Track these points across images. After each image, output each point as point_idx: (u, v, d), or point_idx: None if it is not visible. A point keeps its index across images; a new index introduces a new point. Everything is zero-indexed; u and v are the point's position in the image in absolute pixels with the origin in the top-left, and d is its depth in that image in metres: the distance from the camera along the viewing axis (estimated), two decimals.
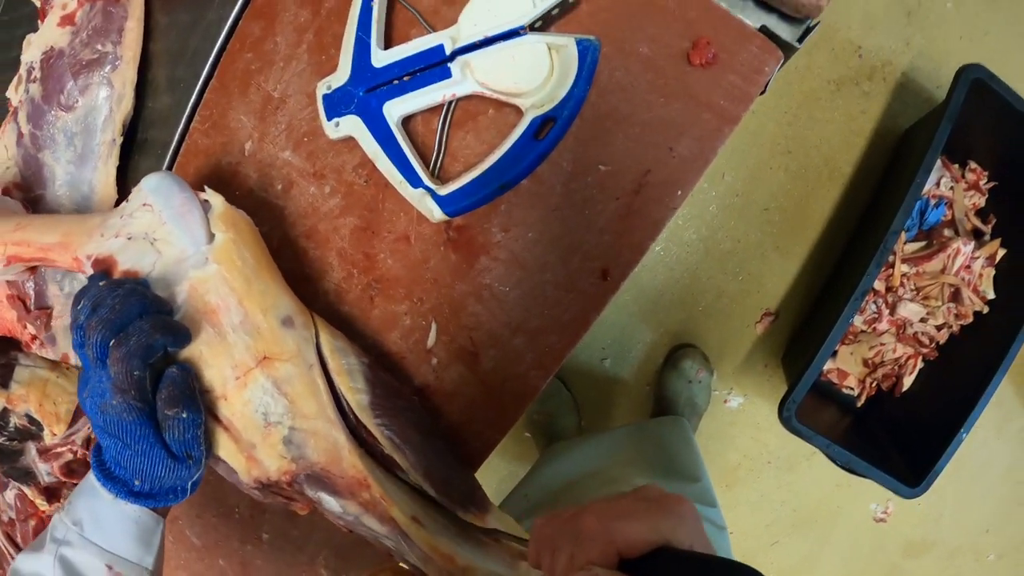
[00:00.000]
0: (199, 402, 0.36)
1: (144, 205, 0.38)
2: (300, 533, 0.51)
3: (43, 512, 0.70)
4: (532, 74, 0.35)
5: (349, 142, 0.41)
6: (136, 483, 0.38)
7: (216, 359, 0.35)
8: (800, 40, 0.42)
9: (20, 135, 0.55)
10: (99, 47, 0.50)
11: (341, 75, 0.38)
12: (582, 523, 0.27)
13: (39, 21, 0.57)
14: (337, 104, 0.38)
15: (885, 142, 1.14)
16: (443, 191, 0.36)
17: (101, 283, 0.37)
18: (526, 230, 0.40)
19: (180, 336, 0.36)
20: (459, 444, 0.42)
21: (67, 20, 0.50)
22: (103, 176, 0.52)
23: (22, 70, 0.55)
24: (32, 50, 0.54)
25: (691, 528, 0.27)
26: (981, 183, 1.03)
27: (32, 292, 0.59)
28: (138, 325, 0.34)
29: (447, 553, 0.37)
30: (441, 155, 0.39)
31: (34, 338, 0.60)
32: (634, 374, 1.24)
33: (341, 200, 0.42)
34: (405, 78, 0.37)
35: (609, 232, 0.39)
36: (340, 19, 0.43)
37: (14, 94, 0.57)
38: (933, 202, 1.06)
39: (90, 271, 0.40)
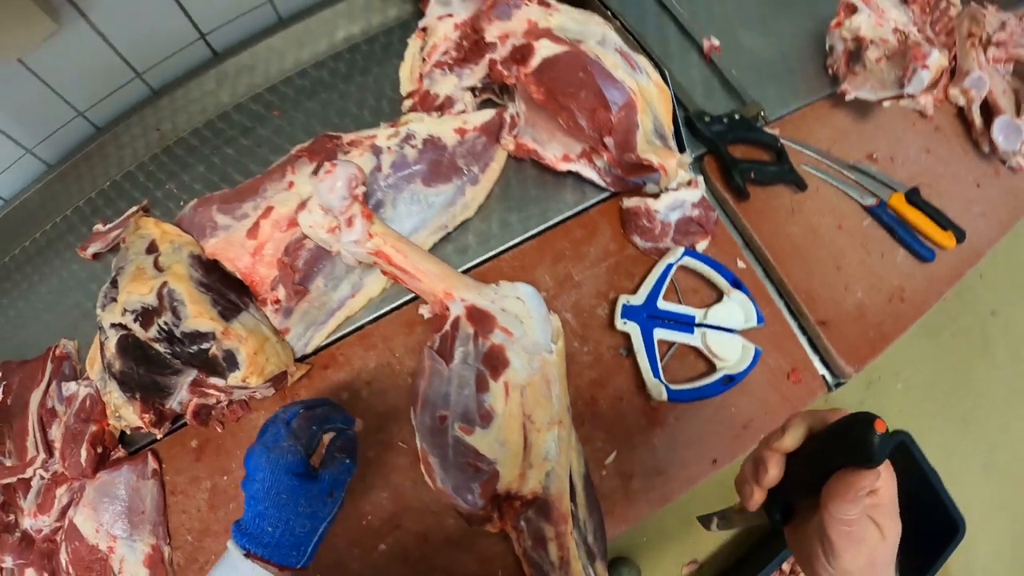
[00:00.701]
0: (357, 461, 0.62)
1: (517, 298, 0.76)
2: (421, 555, 0.75)
3: (108, 425, 0.83)
4: (732, 353, 0.79)
5: (615, 332, 0.82)
6: (268, 529, 0.54)
7: (545, 408, 0.70)
8: (836, 387, 0.96)
9: (378, 168, 0.87)
10: (469, 163, 0.88)
11: (638, 299, 0.79)
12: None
13: (410, 98, 0.95)
14: (628, 312, 0.79)
15: None
16: (675, 387, 0.77)
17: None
18: (687, 424, 0.83)
19: (348, 421, 0.65)
20: None
21: (460, 132, 0.89)
22: (421, 241, 0.87)
23: (402, 129, 0.89)
24: (419, 125, 0.89)
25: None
26: None
27: (303, 270, 0.86)
28: (325, 408, 0.64)
29: None
30: (663, 364, 0.86)
31: (276, 302, 0.85)
32: None
33: (591, 359, 0.81)
34: (670, 321, 0.83)
35: (723, 438, 0.80)
36: (634, 265, 0.86)
37: (384, 138, 0.89)
38: None
39: (458, 308, 0.74)
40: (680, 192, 0.84)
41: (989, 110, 1.00)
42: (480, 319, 0.74)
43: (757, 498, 0.48)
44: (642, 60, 0.86)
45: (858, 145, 0.99)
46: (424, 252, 0.78)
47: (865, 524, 0.42)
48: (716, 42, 0.99)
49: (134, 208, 0.95)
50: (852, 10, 0.96)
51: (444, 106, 0.92)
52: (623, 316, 0.81)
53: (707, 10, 1.07)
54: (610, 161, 0.83)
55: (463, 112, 0.91)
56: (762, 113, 0.94)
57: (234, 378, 0.76)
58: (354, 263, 0.77)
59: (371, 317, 0.88)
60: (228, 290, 0.82)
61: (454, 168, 0.88)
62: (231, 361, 0.76)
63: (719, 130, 0.92)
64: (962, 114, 1.03)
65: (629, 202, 0.86)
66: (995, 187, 1.02)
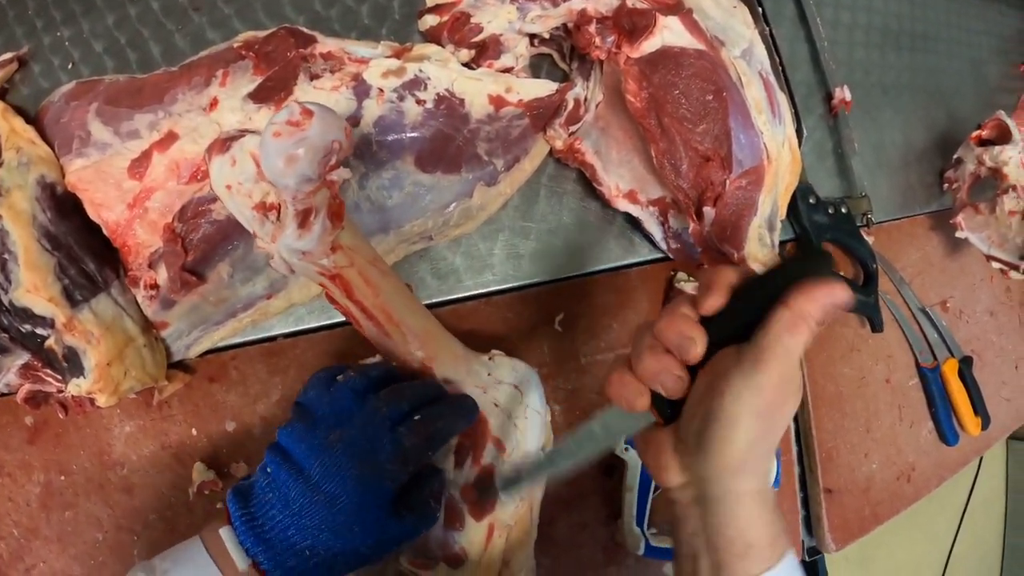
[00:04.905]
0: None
1: (514, 387, 0.52)
2: None
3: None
4: None
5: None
6: (291, 533, 0.38)
7: (525, 547, 0.52)
8: (809, 557, 0.80)
9: (355, 120, 0.55)
10: (494, 152, 0.58)
11: None
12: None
13: (433, 14, 0.61)
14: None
15: None
16: (655, 542, 0.58)
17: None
18: (643, 571, 0.66)
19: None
20: None
21: (497, 101, 0.58)
22: (389, 249, 0.58)
23: (409, 67, 0.56)
24: (437, 70, 0.57)
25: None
26: None
27: (200, 248, 0.53)
28: (449, 414, 0.45)
29: None
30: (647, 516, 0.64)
31: (152, 286, 0.54)
32: None
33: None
34: None
35: None
36: None
37: (377, 72, 0.56)
38: None
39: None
40: None
41: None
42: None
43: (644, 400, 0.37)
44: (784, 103, 0.58)
45: (939, 284, 0.82)
46: (406, 293, 0.49)
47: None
48: (848, 95, 0.72)
49: (8, 55, 0.58)
50: (1004, 135, 0.73)
51: (484, 49, 0.59)
52: (628, 441, 0.58)
53: (849, 49, 0.79)
54: (693, 234, 0.57)
55: (510, 70, 0.59)
56: (869, 215, 0.71)
57: (75, 387, 0.50)
58: (285, 271, 0.46)
59: (288, 330, 0.59)
60: (85, 254, 0.52)
61: (469, 153, 0.57)
62: (74, 363, 0.49)
63: (820, 222, 0.68)
64: None
65: (686, 284, 0.61)
66: None
